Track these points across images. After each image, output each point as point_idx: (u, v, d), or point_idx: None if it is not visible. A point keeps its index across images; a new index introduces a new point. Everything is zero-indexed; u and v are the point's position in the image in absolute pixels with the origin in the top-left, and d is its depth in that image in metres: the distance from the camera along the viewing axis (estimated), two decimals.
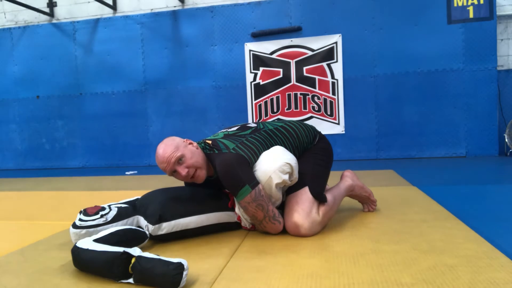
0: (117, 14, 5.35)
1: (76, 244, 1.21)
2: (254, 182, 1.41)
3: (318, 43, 4.78)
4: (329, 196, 1.59)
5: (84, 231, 1.40)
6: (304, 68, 4.83)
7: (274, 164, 1.44)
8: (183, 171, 1.47)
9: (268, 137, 1.60)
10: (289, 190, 1.55)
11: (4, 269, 1.29)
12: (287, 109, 4.92)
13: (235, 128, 1.67)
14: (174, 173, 1.49)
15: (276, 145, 1.59)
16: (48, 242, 1.60)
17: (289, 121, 1.73)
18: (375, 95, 4.73)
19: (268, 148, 1.56)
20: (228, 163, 1.42)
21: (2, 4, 5.65)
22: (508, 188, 2.42)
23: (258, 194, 1.41)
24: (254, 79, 4.97)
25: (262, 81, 4.94)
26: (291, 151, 1.60)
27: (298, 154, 1.66)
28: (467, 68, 4.51)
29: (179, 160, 1.47)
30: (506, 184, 2.57)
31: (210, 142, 1.57)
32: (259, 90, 4.96)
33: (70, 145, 5.54)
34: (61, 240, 1.62)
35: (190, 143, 1.55)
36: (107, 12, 5.38)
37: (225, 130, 1.69)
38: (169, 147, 1.47)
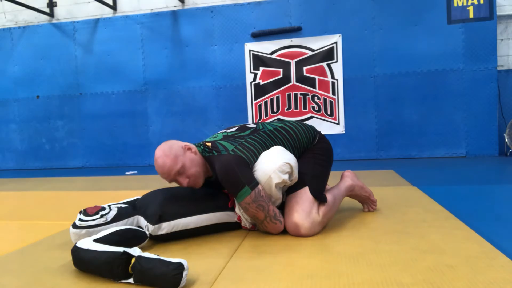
0: (117, 14, 5.35)
1: (76, 244, 1.21)
2: (253, 183, 1.41)
3: (318, 43, 4.78)
4: (329, 196, 1.58)
5: (84, 231, 1.40)
6: (304, 68, 4.83)
7: (274, 164, 1.44)
8: (184, 181, 1.48)
9: (267, 137, 1.60)
10: (289, 190, 1.55)
11: (4, 269, 1.29)
12: (287, 109, 4.92)
13: (234, 129, 1.66)
14: (174, 181, 1.51)
15: (275, 145, 1.59)
16: (48, 242, 1.60)
17: (288, 122, 1.73)
18: (375, 95, 4.73)
19: (268, 148, 1.56)
20: (227, 165, 1.42)
21: (2, 4, 5.65)
22: (508, 188, 2.42)
23: (258, 195, 1.41)
24: (254, 79, 4.97)
25: (262, 81, 4.94)
26: (290, 152, 1.60)
27: (298, 154, 1.66)
28: (467, 68, 4.51)
29: (179, 171, 1.47)
30: (506, 184, 2.57)
31: (209, 144, 1.56)
32: (259, 90, 4.96)
33: (70, 145, 5.54)
34: (61, 240, 1.62)
35: (188, 149, 1.52)
36: (107, 12, 5.38)
37: (224, 131, 1.68)
38: (168, 159, 1.45)
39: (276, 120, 1.76)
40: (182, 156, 1.48)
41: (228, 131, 1.66)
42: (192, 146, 1.55)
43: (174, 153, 1.47)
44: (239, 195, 1.41)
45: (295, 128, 1.68)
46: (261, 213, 1.45)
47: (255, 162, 1.49)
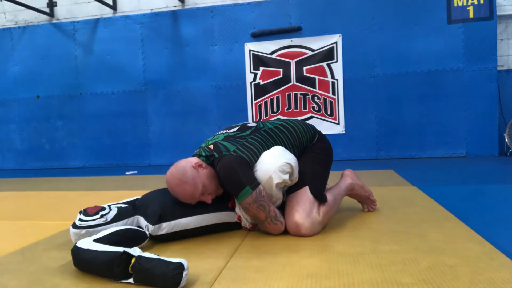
0: (117, 14, 5.35)
1: (76, 244, 1.21)
2: (254, 183, 1.41)
3: (318, 43, 4.78)
4: (329, 196, 1.59)
5: (84, 231, 1.40)
6: (304, 68, 4.83)
7: (274, 164, 1.44)
8: (207, 198, 1.49)
9: (268, 136, 1.60)
10: (289, 190, 1.55)
11: (4, 269, 1.29)
12: (287, 109, 4.92)
13: (235, 129, 1.66)
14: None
15: (276, 144, 1.59)
16: (48, 242, 1.60)
17: (289, 120, 1.73)
18: (375, 95, 4.73)
19: (268, 148, 1.56)
20: (228, 165, 1.42)
21: (2, 4, 5.65)
22: (508, 188, 2.42)
23: (259, 195, 1.41)
24: (254, 79, 4.97)
25: (262, 81, 4.94)
26: (290, 150, 1.60)
27: (298, 153, 1.66)
28: (467, 68, 4.51)
29: (202, 192, 1.47)
30: (506, 184, 2.57)
31: (211, 146, 1.56)
32: (259, 90, 4.96)
33: (70, 145, 5.54)
34: (61, 240, 1.61)
35: (199, 166, 1.48)
36: (107, 12, 5.38)
37: (225, 131, 1.68)
38: (187, 185, 1.43)
39: (276, 119, 1.74)
40: (198, 178, 1.45)
41: (229, 131, 1.66)
42: (201, 162, 1.50)
43: (190, 176, 1.44)
44: (240, 195, 1.41)
45: (295, 126, 1.68)
46: (262, 213, 1.45)
47: (256, 162, 1.50)
